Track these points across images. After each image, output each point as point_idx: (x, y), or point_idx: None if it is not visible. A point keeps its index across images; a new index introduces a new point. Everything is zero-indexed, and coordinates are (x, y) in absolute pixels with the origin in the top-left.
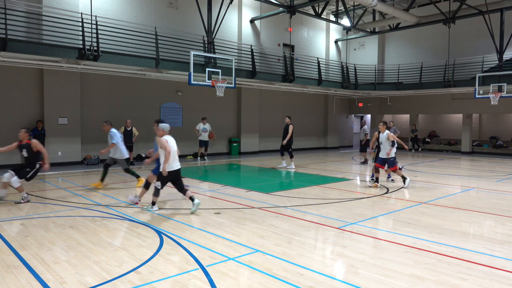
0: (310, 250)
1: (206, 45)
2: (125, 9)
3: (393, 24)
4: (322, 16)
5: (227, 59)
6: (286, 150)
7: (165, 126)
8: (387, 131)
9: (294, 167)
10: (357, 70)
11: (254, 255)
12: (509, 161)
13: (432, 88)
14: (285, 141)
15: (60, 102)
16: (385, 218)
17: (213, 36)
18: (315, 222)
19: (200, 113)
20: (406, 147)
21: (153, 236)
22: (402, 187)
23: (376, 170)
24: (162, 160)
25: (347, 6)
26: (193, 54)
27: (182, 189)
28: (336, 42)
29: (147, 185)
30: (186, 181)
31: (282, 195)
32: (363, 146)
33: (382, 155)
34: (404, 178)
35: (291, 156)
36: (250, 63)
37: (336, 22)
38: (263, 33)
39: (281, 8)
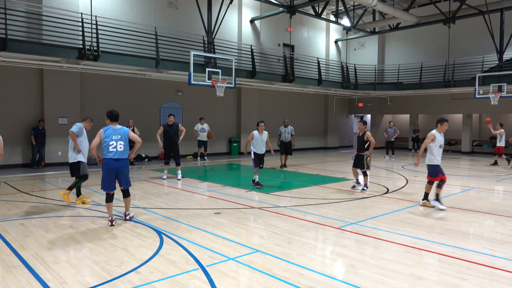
0: (310, 250)
1: (206, 45)
2: (125, 9)
3: (393, 24)
4: (322, 16)
5: (227, 59)
6: (177, 158)
7: None
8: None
9: (166, 178)
10: (357, 70)
11: (254, 255)
12: None
13: (432, 88)
14: (180, 140)
15: (60, 102)
16: (385, 218)
17: (213, 36)
18: (315, 222)
19: (200, 113)
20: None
21: (153, 236)
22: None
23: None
24: None
25: (347, 6)
26: (193, 54)
27: None
28: (336, 42)
29: None
30: (186, 181)
31: (282, 195)
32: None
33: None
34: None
35: (178, 164)
36: (250, 63)
37: (336, 22)
38: (263, 33)
39: (281, 8)
